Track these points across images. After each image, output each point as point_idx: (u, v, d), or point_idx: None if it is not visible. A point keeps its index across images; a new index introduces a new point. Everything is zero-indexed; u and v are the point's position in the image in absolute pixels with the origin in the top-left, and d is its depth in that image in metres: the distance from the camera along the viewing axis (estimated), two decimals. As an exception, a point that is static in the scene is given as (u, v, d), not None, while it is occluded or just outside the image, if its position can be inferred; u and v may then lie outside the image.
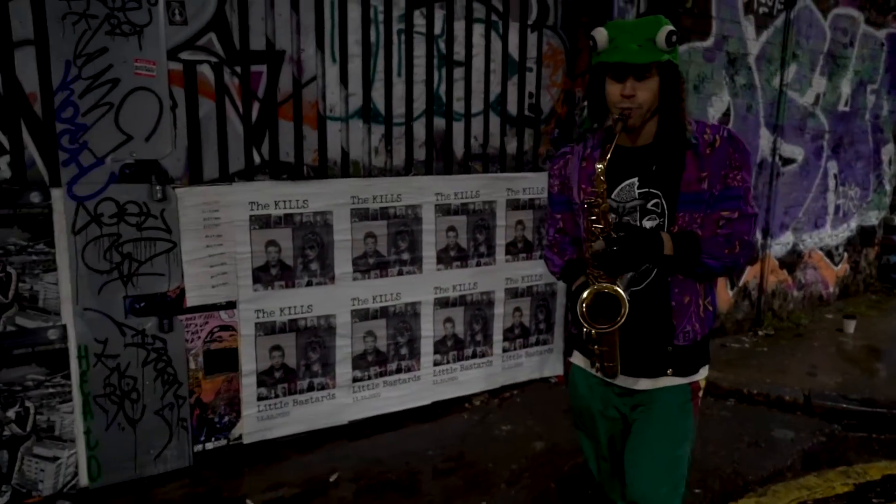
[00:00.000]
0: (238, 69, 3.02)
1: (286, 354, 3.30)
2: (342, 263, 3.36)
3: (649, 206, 1.76)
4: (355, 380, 3.51)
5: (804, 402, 3.74)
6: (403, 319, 3.61)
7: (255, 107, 3.09)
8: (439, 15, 3.50)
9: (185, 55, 2.88)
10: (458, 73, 3.61)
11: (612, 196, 1.79)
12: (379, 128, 3.44)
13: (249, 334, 3.18)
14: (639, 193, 1.77)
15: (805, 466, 3.20)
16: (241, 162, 3.09)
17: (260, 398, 3.27)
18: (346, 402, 3.51)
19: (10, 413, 2.69)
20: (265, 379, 3.27)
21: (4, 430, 2.68)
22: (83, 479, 2.87)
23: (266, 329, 3.22)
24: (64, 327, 2.75)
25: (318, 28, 3.17)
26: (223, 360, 3.15)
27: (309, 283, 3.29)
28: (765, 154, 4.84)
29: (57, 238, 2.68)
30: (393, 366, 3.62)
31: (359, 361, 3.51)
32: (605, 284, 1.71)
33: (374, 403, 3.59)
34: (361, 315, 3.47)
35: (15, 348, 2.66)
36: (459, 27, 3.56)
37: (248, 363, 3.21)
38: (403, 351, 3.64)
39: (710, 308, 1.85)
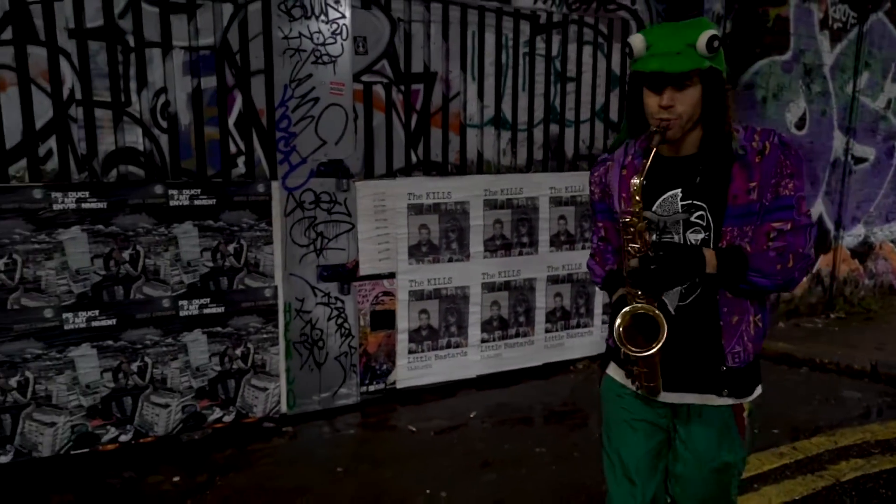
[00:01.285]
0: (402, 88, 3.81)
1: (431, 317, 4.08)
2: (475, 244, 4.11)
3: (693, 218, 1.66)
4: (482, 341, 4.26)
5: (871, 370, 4.28)
6: (522, 292, 4.33)
7: (414, 117, 3.88)
8: (556, 39, 4.21)
9: (364, 78, 3.69)
10: (570, 87, 4.32)
11: (654, 208, 1.70)
12: (507, 133, 4.18)
13: (404, 299, 3.97)
14: (682, 206, 1.67)
15: (870, 418, 3.77)
16: (402, 161, 3.88)
17: (410, 352, 4.05)
18: (475, 359, 4.25)
19: (238, 352, 3.55)
20: (414, 336, 4.05)
21: (234, 365, 3.54)
22: (283, 407, 3.72)
23: (416, 295, 4.00)
24: (275, 288, 3.59)
25: (462, 53, 3.93)
26: (384, 320, 3.95)
27: (450, 260, 4.06)
28: (838, 154, 5.35)
29: (274, 219, 3.53)
30: (512, 331, 4.35)
31: (486, 326, 4.25)
32: (642, 305, 1.65)
33: (497, 361, 4.33)
34: (489, 287, 4.21)
35: (243, 302, 3.52)
36: (572, 49, 4.27)
37: (403, 322, 4.00)
38: (521, 319, 4.36)
39: (761, 325, 1.73)
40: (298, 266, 3.62)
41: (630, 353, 1.66)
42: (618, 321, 1.66)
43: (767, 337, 1.80)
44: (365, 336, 3.90)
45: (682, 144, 1.67)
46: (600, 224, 1.89)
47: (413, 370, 4.08)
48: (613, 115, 4.51)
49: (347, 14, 3.52)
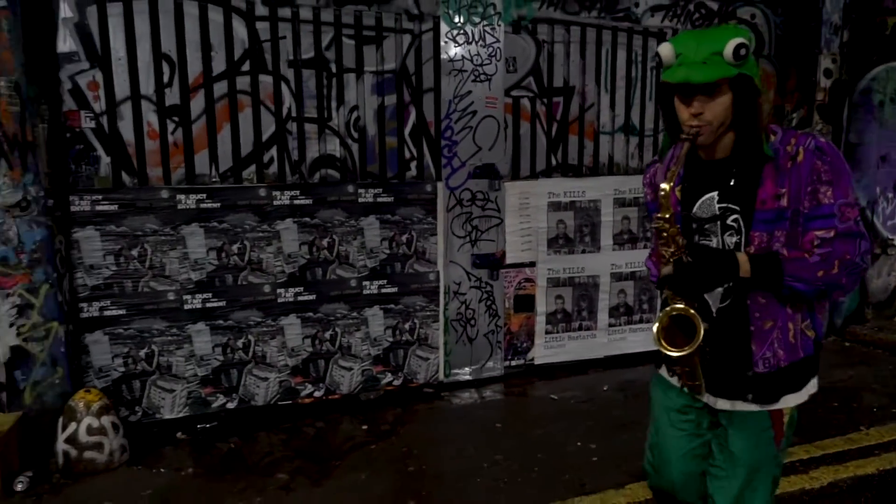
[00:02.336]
0: (545, 100, 4.37)
1: (565, 302, 4.61)
2: (605, 237, 4.61)
3: (729, 221, 1.69)
4: (610, 325, 4.75)
5: None
6: (645, 282, 4.79)
7: (554, 126, 4.43)
8: (681, 53, 4.65)
9: (514, 92, 4.27)
10: (693, 95, 4.74)
11: (694, 210, 1.74)
12: (634, 139, 4.66)
13: (543, 286, 4.52)
14: (718, 208, 1.70)
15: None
16: (543, 164, 4.44)
17: (546, 332, 4.59)
18: (603, 341, 4.75)
19: (406, 326, 4.20)
20: (550, 318, 4.59)
21: (403, 337, 4.20)
22: (441, 375, 4.34)
23: (553, 282, 4.54)
24: (438, 273, 4.22)
25: (596, 69, 4.45)
26: (525, 303, 4.51)
27: (583, 251, 4.58)
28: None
29: (438, 214, 4.16)
30: (636, 317, 4.82)
31: (613, 311, 4.74)
32: (679, 306, 1.68)
33: (622, 344, 4.80)
34: (617, 277, 4.70)
35: (411, 284, 4.17)
36: (695, 61, 4.69)
37: (541, 306, 4.55)
38: (645, 306, 4.82)
39: (810, 333, 1.73)
40: (457, 254, 4.24)
41: (667, 353, 1.68)
42: (656, 324, 1.71)
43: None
44: (509, 317, 4.47)
45: (717, 148, 1.70)
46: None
47: (549, 349, 4.62)
48: (733, 120, 4.89)
49: (501, 39, 4.12)
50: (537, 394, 4.31)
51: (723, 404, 1.78)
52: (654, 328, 1.71)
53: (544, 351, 4.61)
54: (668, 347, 1.68)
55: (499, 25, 4.09)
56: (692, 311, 1.67)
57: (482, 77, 4.11)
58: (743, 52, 1.55)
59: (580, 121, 4.47)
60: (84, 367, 3.51)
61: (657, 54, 1.68)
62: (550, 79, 4.36)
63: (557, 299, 4.58)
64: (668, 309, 1.71)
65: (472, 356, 4.39)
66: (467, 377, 4.39)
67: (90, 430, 3.20)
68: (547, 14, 4.25)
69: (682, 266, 1.64)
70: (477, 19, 4.03)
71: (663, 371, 1.93)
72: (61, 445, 3.20)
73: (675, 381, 1.87)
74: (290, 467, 3.33)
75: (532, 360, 4.59)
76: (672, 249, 1.66)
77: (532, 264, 4.47)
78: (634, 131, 4.65)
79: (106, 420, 3.26)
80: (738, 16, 4.73)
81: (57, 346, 3.31)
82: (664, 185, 1.62)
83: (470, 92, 4.10)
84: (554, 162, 4.48)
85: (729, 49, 1.55)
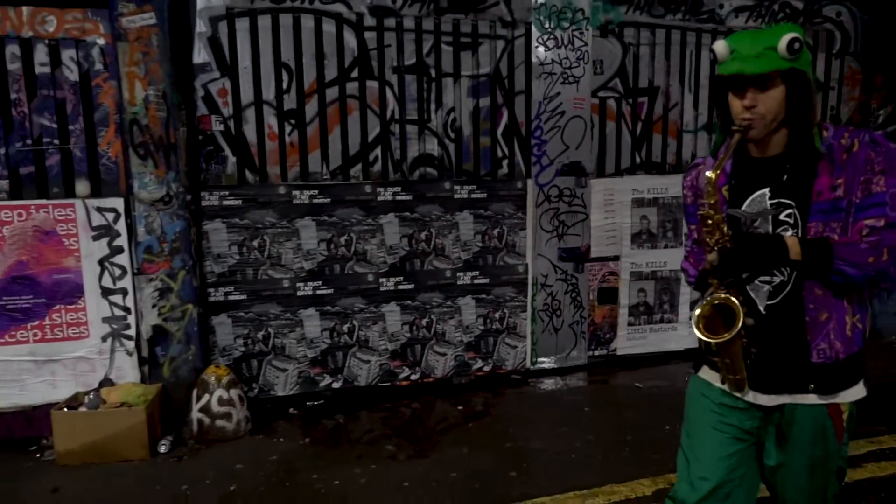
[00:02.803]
0: (630, 100, 4.54)
1: (647, 295, 4.76)
2: (688, 233, 4.74)
3: (782, 216, 1.70)
4: (690, 318, 4.86)
5: None
6: (727, 277, 4.89)
7: (639, 125, 4.60)
8: (764, 52, 4.75)
9: (600, 93, 4.47)
10: (777, 94, 4.82)
11: (743, 207, 1.74)
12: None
13: (626, 279, 4.69)
14: (770, 204, 1.71)
15: None
16: (627, 162, 4.61)
17: (629, 324, 4.76)
18: (683, 334, 4.88)
19: (496, 315, 4.45)
20: (633, 311, 4.75)
21: (493, 325, 4.45)
22: (527, 363, 4.57)
23: (636, 276, 4.71)
24: (527, 265, 4.46)
25: (681, 69, 4.60)
26: (608, 295, 4.69)
27: (665, 246, 4.73)
28: None
29: (528, 209, 4.39)
30: (718, 311, 4.92)
31: (693, 305, 4.86)
32: (721, 295, 1.69)
33: (703, 337, 4.91)
34: (698, 271, 4.82)
35: (502, 275, 4.42)
36: (779, 60, 4.78)
37: (624, 299, 4.72)
38: (726, 300, 4.92)
39: (860, 326, 1.72)
40: (544, 248, 4.46)
41: (706, 339, 1.68)
42: (697, 311, 1.70)
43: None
44: (593, 308, 4.67)
45: (769, 145, 1.71)
46: (692, 227, 1.94)
47: (631, 340, 4.78)
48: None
49: (589, 42, 4.32)
50: (621, 382, 4.49)
51: (783, 399, 1.74)
52: (695, 315, 1.70)
53: (626, 342, 4.78)
54: (708, 335, 1.68)
55: (587, 30, 4.30)
56: (734, 300, 1.67)
57: (570, 79, 4.32)
58: (797, 46, 1.58)
59: (664, 120, 4.63)
60: (210, 346, 3.90)
61: (712, 51, 1.70)
62: (636, 80, 4.53)
63: (640, 292, 4.74)
64: (710, 298, 1.70)
65: (557, 345, 4.60)
66: (552, 365, 4.60)
67: (221, 402, 3.58)
68: (633, 18, 4.42)
69: (728, 252, 1.64)
70: (566, 24, 4.25)
71: (703, 373, 1.89)
72: (195, 414, 3.59)
73: (716, 379, 1.83)
74: (395, 441, 3.63)
75: (615, 350, 4.76)
76: (717, 237, 1.66)
77: (616, 258, 4.65)
78: (716, 129, 4.76)
79: (234, 393, 3.63)
80: (823, 14, 4.79)
81: (191, 326, 3.71)
82: (709, 174, 1.65)
83: (559, 93, 4.32)
84: (638, 160, 4.64)
85: (783, 43, 1.58)
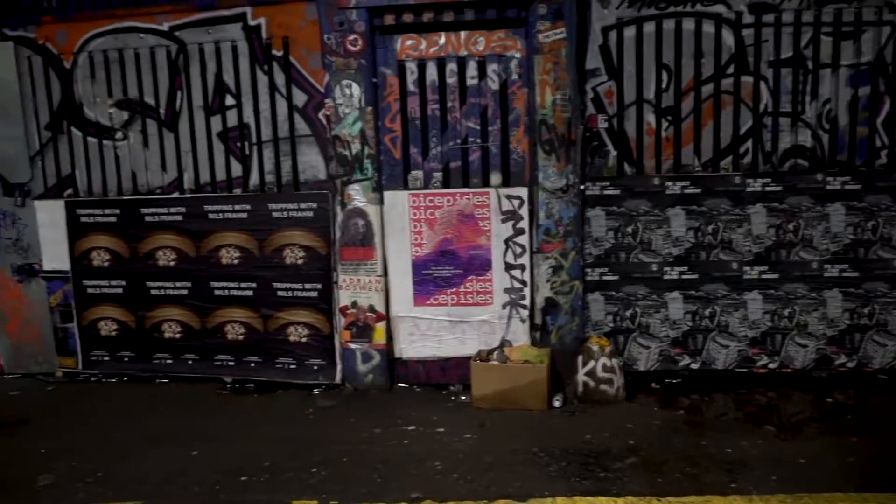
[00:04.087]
0: None
1: None
2: None
3: None
4: None
5: None
6: None
7: None
8: None
9: None
10: None
11: None
12: None
13: None
14: None
15: None
16: None
17: None
18: None
19: (865, 310, 4.31)
20: None
21: (860, 321, 4.32)
22: (897, 363, 4.36)
23: None
24: (903, 260, 4.26)
25: None
26: None
27: None
28: None
29: (908, 201, 4.20)
30: None
31: None
32: None
33: None
34: None
35: (874, 269, 4.26)
36: None
37: None
38: None
39: None
40: (926, 242, 4.23)
41: None
42: None
43: None
44: (980, 310, 4.29)
45: None
46: None
47: None
48: None
49: None
50: None
51: None
52: None
53: None
54: None
55: None
56: None
57: None
58: None
59: None
60: (584, 320, 4.38)
61: None
62: None
63: None
64: None
65: (934, 347, 4.32)
66: (927, 368, 4.34)
67: (604, 368, 4.03)
68: None
69: None
70: (966, 4, 3.99)
71: None
72: (581, 377, 4.08)
73: None
74: (774, 423, 3.75)
75: None
76: None
77: None
78: None
79: (615, 362, 4.07)
80: None
81: (576, 300, 4.22)
82: None
83: None
84: None
85: None
